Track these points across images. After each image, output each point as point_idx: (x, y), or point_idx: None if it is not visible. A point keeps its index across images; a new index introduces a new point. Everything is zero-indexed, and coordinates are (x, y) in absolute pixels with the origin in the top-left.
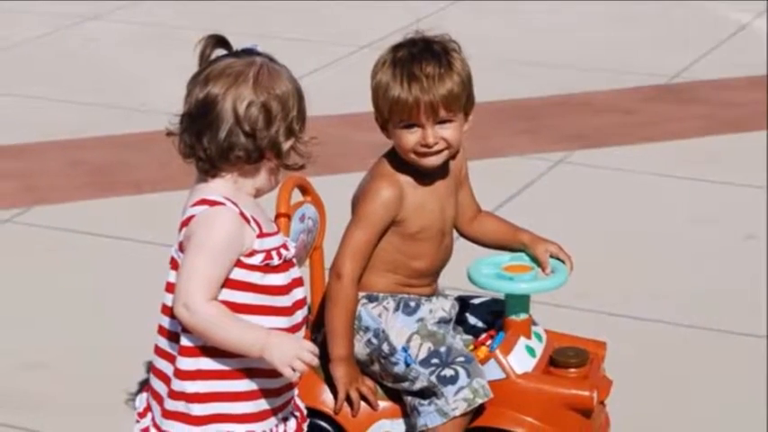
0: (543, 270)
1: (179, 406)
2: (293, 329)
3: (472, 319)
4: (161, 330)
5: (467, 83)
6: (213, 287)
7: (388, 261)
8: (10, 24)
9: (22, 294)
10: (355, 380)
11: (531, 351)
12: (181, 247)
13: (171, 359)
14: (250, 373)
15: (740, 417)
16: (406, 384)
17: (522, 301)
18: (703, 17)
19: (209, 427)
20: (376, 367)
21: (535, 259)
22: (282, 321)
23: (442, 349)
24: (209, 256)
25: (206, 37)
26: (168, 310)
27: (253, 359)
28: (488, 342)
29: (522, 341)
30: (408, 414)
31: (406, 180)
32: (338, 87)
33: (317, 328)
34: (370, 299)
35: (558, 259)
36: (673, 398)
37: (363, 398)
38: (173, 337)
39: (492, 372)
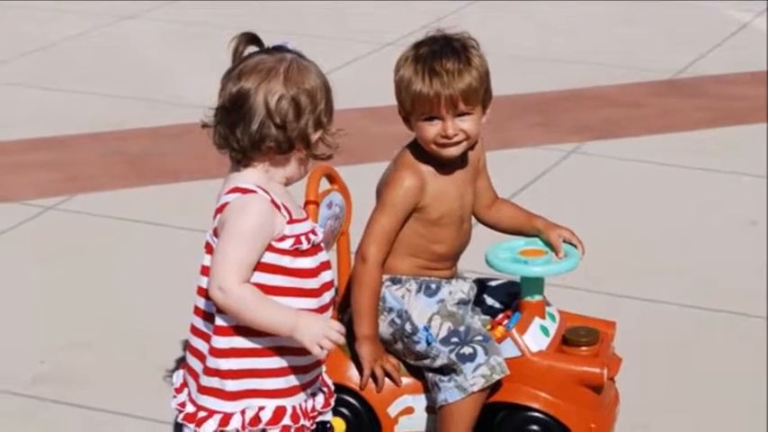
0: (556, 254)
1: (213, 382)
2: (321, 310)
3: (490, 301)
4: (197, 311)
5: (485, 78)
6: (246, 270)
7: (411, 245)
8: (50, 23)
9: (65, 277)
10: (380, 357)
11: (545, 330)
12: (215, 233)
13: (206, 338)
14: (280, 351)
15: (742, 393)
16: (427, 362)
17: (536, 284)
18: (707, 16)
19: (242, 401)
20: (399, 346)
21: (549, 244)
22: (311, 302)
23: (461, 329)
24: (242, 241)
25: (239, 35)
26: (204, 292)
27: (283, 338)
28: (505, 322)
29: (537, 321)
30: (430, 390)
31: (427, 169)
32: (363, 82)
33: (343, 308)
34: (394, 281)
35: (571, 244)
36: (678, 374)
37: (387, 374)
38: (208, 317)
39: (508, 350)
